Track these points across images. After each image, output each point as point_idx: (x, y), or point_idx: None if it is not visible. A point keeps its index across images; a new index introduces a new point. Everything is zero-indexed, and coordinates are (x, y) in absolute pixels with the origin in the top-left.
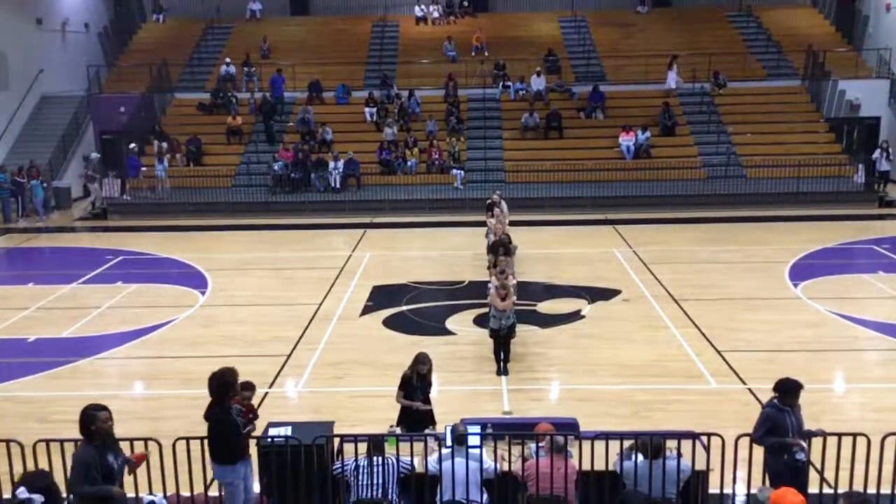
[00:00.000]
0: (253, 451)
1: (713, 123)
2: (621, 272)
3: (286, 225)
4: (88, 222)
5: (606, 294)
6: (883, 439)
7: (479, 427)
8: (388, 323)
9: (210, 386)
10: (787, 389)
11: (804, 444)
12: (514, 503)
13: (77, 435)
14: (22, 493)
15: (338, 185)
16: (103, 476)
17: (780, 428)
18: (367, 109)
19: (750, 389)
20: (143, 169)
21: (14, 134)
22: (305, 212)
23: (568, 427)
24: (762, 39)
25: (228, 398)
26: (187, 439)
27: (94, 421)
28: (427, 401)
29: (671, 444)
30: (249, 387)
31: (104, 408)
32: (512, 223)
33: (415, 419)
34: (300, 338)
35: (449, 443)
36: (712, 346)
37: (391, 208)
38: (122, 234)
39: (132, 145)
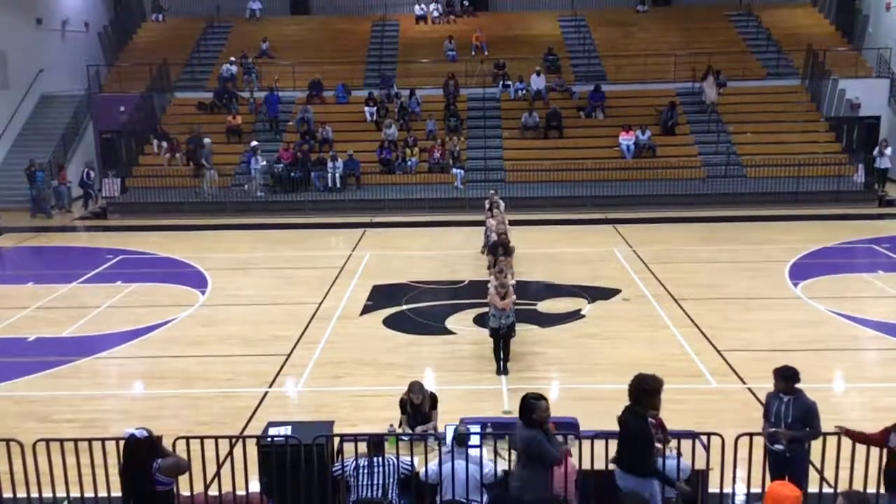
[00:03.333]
0: (252, 451)
1: (713, 123)
2: (621, 271)
3: (286, 224)
4: (88, 222)
5: (606, 293)
6: None
7: (479, 426)
8: (388, 322)
9: (629, 388)
10: (777, 375)
11: (775, 434)
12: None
13: (77, 434)
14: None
15: (338, 185)
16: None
17: (768, 413)
18: (367, 109)
19: (750, 389)
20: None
21: (14, 133)
22: (305, 211)
23: (568, 426)
24: (762, 39)
25: (643, 406)
26: (187, 438)
27: (535, 410)
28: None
29: (671, 442)
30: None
31: (543, 397)
32: (511, 222)
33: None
34: (300, 337)
35: (449, 443)
36: (712, 345)
37: (391, 207)
38: (122, 234)
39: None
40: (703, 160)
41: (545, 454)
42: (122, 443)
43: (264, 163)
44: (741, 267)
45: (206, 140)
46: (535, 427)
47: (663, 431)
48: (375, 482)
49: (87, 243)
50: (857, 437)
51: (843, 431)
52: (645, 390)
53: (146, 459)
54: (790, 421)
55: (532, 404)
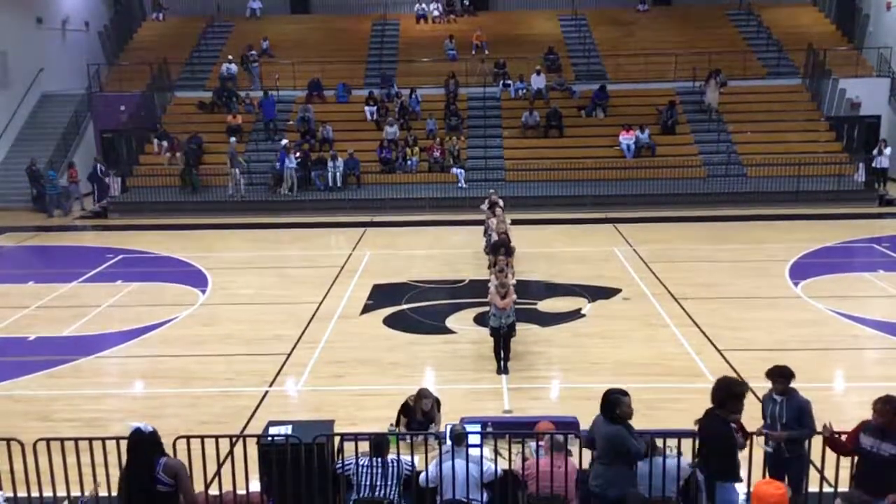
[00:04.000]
0: (253, 450)
1: (713, 122)
2: (621, 271)
3: (286, 223)
4: (88, 221)
5: (607, 293)
6: None
7: (478, 426)
8: (389, 321)
9: (714, 391)
10: (769, 375)
11: (768, 436)
12: (515, 502)
13: (78, 434)
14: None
15: (338, 184)
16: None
17: (763, 414)
18: (367, 108)
19: (750, 388)
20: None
21: (14, 132)
22: (306, 210)
23: (568, 425)
24: (763, 38)
25: (727, 409)
26: (187, 438)
27: (620, 405)
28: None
29: (672, 442)
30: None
31: (627, 393)
32: (511, 222)
33: None
34: (300, 336)
35: (449, 442)
36: (712, 344)
37: (391, 207)
38: (123, 233)
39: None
40: (703, 159)
41: (632, 449)
42: (122, 442)
43: (298, 158)
44: (741, 266)
45: (232, 139)
46: (618, 423)
47: (744, 434)
48: (377, 482)
49: (87, 242)
50: (836, 445)
51: (828, 433)
52: (735, 394)
53: (150, 455)
54: (784, 421)
55: (617, 399)
